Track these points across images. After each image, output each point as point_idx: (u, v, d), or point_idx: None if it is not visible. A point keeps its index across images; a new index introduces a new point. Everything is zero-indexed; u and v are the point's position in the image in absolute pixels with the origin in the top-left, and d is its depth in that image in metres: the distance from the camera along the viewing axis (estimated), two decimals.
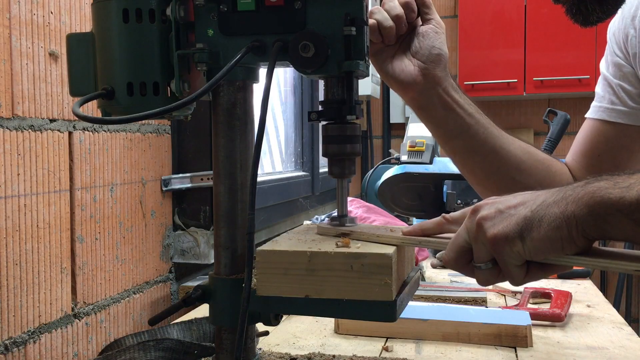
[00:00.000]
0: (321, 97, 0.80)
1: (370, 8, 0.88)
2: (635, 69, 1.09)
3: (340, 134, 0.77)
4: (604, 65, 1.17)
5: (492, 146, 1.05)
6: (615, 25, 1.14)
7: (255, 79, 0.80)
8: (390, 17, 0.96)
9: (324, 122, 0.79)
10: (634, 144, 1.12)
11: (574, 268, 0.76)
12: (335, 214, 0.81)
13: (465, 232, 0.70)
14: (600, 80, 1.18)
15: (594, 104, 1.17)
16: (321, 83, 0.80)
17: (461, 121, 1.02)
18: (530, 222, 0.65)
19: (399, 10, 0.96)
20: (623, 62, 1.12)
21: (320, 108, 0.78)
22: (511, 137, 1.08)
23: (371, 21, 0.95)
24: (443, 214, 0.77)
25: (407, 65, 0.99)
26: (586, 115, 1.18)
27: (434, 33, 0.98)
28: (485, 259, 0.69)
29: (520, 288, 1.39)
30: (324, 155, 0.80)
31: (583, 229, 0.63)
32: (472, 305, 1.32)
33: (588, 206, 0.62)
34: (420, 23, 1.00)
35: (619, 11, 1.11)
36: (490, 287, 1.42)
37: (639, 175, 0.61)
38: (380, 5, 0.97)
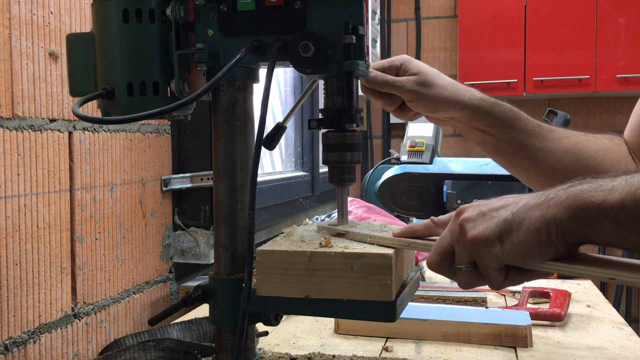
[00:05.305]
0: (321, 99, 0.80)
1: (370, 8, 0.88)
2: None
3: (341, 142, 0.77)
4: None
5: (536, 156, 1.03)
6: None
7: (255, 79, 0.80)
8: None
9: (324, 130, 0.78)
10: None
11: None
12: (335, 215, 0.81)
13: (449, 234, 0.70)
14: None
15: None
16: (321, 86, 0.80)
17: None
18: (510, 224, 0.64)
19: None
20: None
21: (320, 115, 0.78)
22: (556, 139, 1.03)
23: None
24: (432, 217, 0.76)
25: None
26: None
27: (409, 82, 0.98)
28: (466, 260, 0.68)
29: (519, 287, 1.39)
30: (324, 162, 0.79)
31: (563, 232, 0.61)
32: (472, 305, 1.32)
33: (570, 209, 0.61)
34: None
35: None
36: None
37: (622, 178, 0.60)
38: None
